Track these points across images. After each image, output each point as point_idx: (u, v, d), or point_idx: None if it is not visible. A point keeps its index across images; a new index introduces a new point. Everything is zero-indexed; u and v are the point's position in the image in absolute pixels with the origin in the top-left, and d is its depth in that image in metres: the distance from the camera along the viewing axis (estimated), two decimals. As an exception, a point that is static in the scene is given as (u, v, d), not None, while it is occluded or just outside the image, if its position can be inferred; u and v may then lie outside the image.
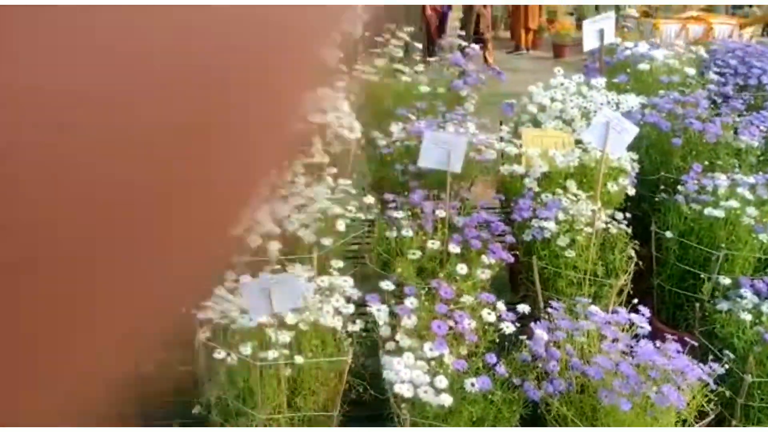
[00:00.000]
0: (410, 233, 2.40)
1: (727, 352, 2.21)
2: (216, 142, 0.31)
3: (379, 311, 2.17)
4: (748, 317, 2.28)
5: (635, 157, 2.83)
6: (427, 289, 2.25)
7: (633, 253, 2.55)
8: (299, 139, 0.38)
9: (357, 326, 2.14)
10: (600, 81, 3.11)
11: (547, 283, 2.52)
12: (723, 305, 2.38)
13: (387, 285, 2.23)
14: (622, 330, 2.15)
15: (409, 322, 2.15)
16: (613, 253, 2.55)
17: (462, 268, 2.31)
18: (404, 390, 1.97)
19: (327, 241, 2.38)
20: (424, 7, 8.34)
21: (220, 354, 2.00)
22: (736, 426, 2.18)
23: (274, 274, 2.16)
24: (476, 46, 3.51)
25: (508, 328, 2.10)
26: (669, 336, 2.06)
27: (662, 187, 2.89)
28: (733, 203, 2.59)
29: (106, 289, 0.29)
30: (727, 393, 2.06)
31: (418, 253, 2.41)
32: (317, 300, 2.16)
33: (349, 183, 2.58)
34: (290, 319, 2.06)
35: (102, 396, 0.32)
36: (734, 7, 9.81)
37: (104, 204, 0.27)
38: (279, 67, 0.33)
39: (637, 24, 5.69)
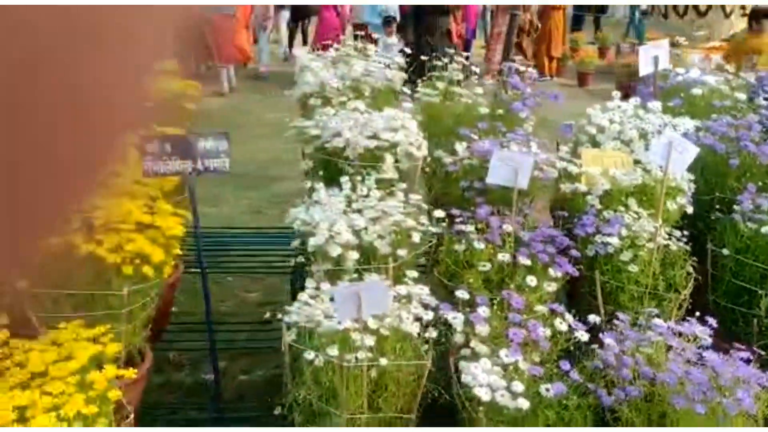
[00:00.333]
0: (481, 246, 2.51)
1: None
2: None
3: (455, 318, 2.28)
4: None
5: (692, 177, 2.93)
6: (498, 299, 2.36)
7: (692, 269, 2.65)
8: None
9: (434, 332, 2.24)
10: (656, 104, 3.22)
11: (609, 297, 2.62)
12: (781, 321, 2.47)
13: (462, 293, 2.34)
14: (687, 341, 2.25)
15: (483, 329, 2.26)
16: (673, 269, 2.64)
17: (532, 280, 2.42)
18: (482, 393, 2.07)
19: (401, 252, 2.49)
20: (450, 33, 8.64)
21: (309, 355, 2.11)
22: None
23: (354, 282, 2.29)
24: (533, 70, 3.64)
25: (582, 336, 2.20)
26: (730, 348, 2.16)
27: (717, 206, 2.98)
28: (789, 222, 2.68)
29: None
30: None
31: (488, 265, 2.52)
32: (396, 307, 2.28)
33: (419, 198, 2.70)
34: (372, 323, 2.17)
35: None
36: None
37: None
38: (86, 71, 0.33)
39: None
